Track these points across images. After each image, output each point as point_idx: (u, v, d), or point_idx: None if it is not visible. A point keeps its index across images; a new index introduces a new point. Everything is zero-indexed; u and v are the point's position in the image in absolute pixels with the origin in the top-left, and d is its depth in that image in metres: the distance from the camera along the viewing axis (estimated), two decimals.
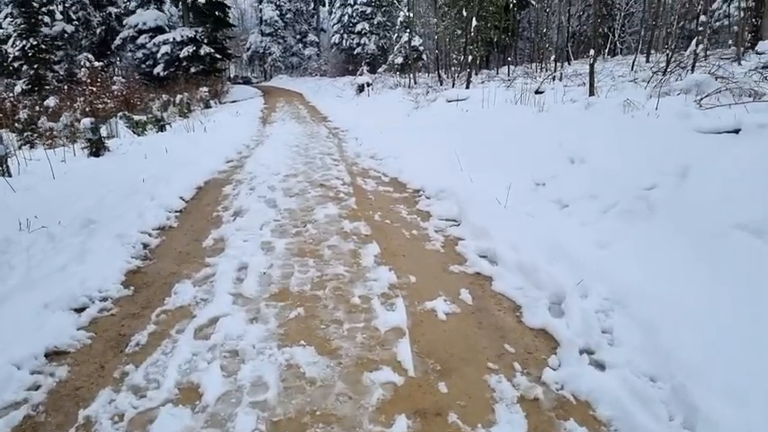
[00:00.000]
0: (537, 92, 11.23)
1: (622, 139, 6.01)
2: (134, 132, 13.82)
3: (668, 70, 12.41)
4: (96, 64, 17.05)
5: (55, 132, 14.12)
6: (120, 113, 14.58)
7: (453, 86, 16.27)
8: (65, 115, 15.28)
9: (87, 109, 16.13)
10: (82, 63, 16.73)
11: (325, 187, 6.53)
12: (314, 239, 4.58)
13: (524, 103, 10.06)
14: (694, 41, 10.43)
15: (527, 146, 7.69)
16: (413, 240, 4.67)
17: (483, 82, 16.91)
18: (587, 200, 5.61)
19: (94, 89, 16.41)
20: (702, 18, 10.63)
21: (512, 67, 23.11)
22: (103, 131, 13.04)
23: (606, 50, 27.51)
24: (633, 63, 14.91)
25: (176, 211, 5.65)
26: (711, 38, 28.10)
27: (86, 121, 10.32)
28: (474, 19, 12.97)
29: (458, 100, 12.16)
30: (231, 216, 5.37)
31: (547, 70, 18.18)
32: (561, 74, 14.32)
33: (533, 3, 31.18)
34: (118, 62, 31.40)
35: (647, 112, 6.50)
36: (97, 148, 10.21)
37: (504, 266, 4.00)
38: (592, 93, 10.44)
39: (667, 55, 11.49)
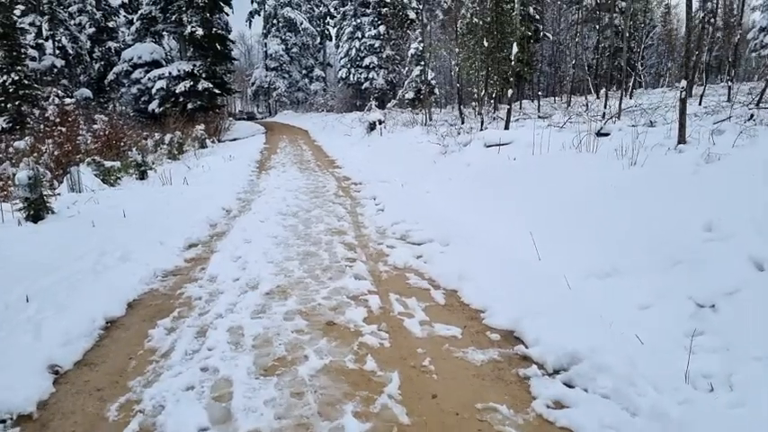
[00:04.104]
0: (599, 134, 8.10)
1: None
2: (104, 182, 10.77)
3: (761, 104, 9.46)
4: (67, 100, 14.06)
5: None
6: (89, 159, 11.50)
7: (482, 125, 13.21)
8: (24, 161, 12.33)
9: (56, 153, 13.14)
10: (51, 99, 13.74)
11: (337, 333, 3.32)
12: None
13: (592, 151, 6.97)
14: None
15: (637, 223, 4.65)
16: None
17: (517, 119, 13.87)
18: None
19: (64, 130, 13.42)
20: None
21: (532, 102, 20.20)
22: (64, 185, 10.04)
23: (632, 84, 24.59)
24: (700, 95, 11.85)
25: None
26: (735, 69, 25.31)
27: (22, 176, 7.36)
28: (515, 45, 10.06)
29: (500, 144, 9.03)
30: None
31: (586, 106, 15.14)
32: (619, 111, 11.25)
33: (549, 35, 28.50)
34: (118, 98, 28.68)
35: None
36: (36, 210, 7.23)
37: None
38: (683, 138, 7.25)
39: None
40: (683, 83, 7.60)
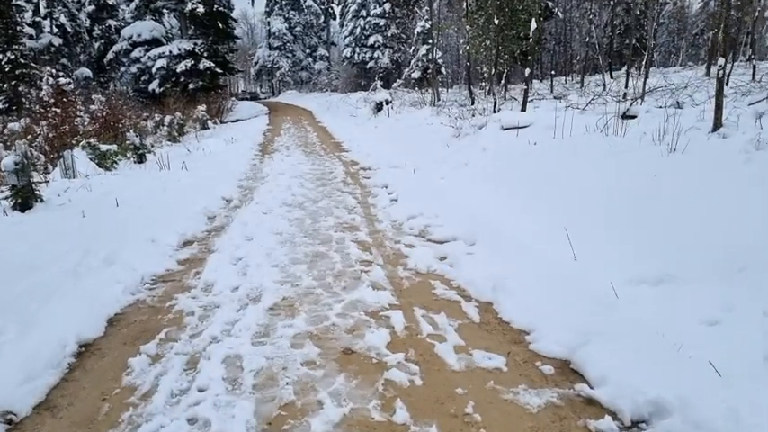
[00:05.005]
0: (625, 116, 7.39)
1: None
2: (100, 166, 10.13)
3: None
4: (63, 80, 13.31)
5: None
6: (84, 142, 10.83)
7: (495, 106, 12.45)
8: (17, 144, 11.67)
9: (50, 135, 12.47)
10: (45, 79, 13.01)
11: (357, 367, 2.66)
12: None
13: (620, 134, 6.28)
14: None
15: (685, 219, 4.09)
16: None
17: (531, 100, 13.08)
18: None
19: (59, 111, 12.71)
20: None
21: (542, 82, 19.34)
22: (57, 170, 9.41)
23: (645, 62, 23.63)
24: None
25: None
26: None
27: (8, 161, 6.81)
28: (534, 20, 9.29)
29: (518, 127, 8.31)
30: None
31: (604, 86, 14.33)
32: (643, 92, 10.47)
33: (559, 14, 27.37)
34: (119, 78, 27.80)
35: None
36: (24, 198, 6.66)
37: None
38: (719, 121, 6.51)
39: None
40: (721, 60, 6.79)
